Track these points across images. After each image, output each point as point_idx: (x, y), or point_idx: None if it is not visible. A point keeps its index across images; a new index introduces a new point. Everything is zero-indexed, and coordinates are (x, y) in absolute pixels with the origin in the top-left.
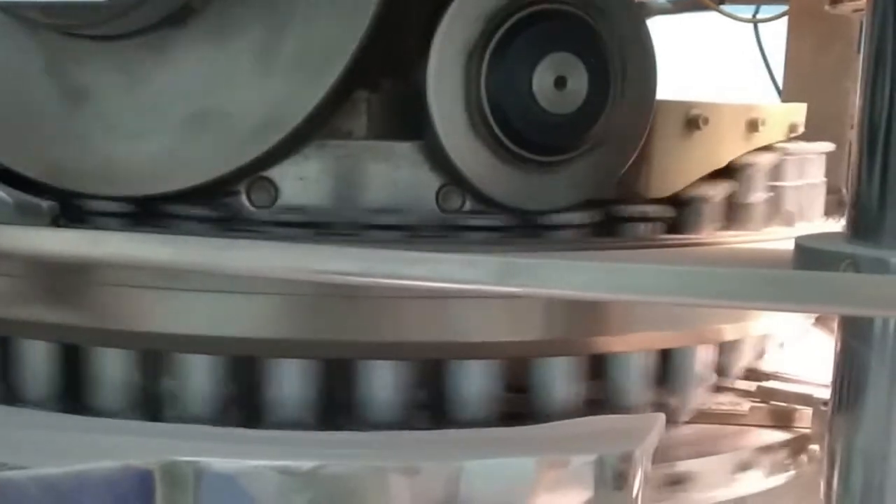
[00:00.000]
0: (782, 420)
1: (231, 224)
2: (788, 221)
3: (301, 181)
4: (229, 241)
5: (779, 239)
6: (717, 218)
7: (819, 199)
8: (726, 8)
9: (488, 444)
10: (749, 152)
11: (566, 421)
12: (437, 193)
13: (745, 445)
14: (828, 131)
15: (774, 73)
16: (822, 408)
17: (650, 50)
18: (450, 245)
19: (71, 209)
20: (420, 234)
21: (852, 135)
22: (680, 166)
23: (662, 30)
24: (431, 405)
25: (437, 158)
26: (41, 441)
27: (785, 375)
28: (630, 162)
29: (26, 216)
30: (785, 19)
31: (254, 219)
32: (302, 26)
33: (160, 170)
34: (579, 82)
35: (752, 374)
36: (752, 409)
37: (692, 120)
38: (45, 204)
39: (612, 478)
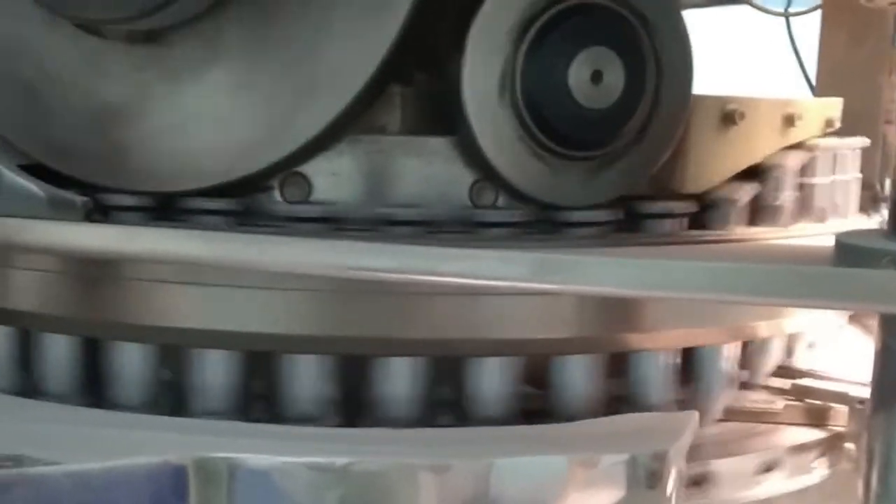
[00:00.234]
0: (817, 418)
1: (263, 220)
2: (820, 218)
3: (334, 177)
4: (265, 238)
5: (809, 235)
6: (743, 216)
7: (854, 195)
8: (757, 1)
9: (520, 442)
10: (780, 150)
11: (598, 419)
12: (470, 189)
13: (778, 444)
14: (861, 126)
15: (806, 67)
16: (859, 406)
17: (687, 44)
18: (479, 241)
19: (99, 205)
20: (451, 230)
21: (886, 130)
22: (715, 162)
23: (692, 23)
24: (452, 402)
25: (471, 154)
26: (71, 436)
27: (819, 373)
28: (666, 157)
29: (59, 211)
30: (817, 13)
31: (286, 214)
32: (339, 20)
33: (197, 165)
34: (616, 77)
35: (786, 371)
36: (786, 406)
37: (728, 115)
38: (79, 199)
39: (646, 477)
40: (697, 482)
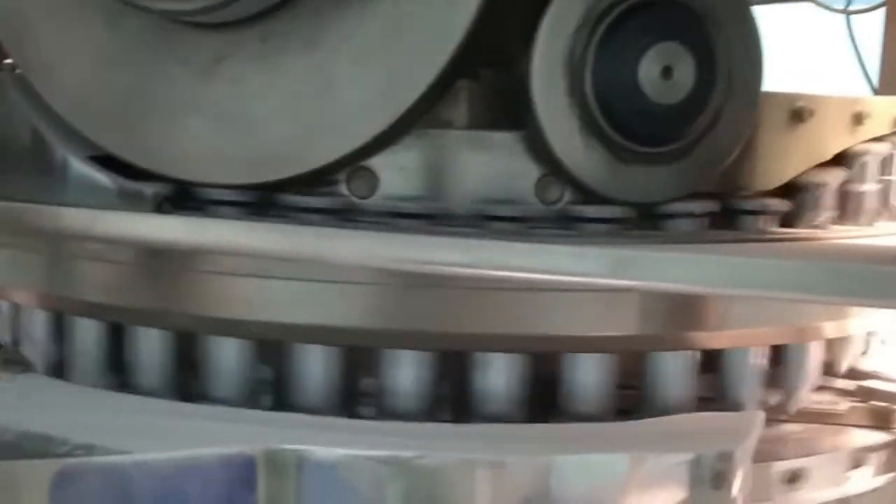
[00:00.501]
0: (882, 420)
1: (332, 214)
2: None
3: (401, 171)
4: (336, 231)
5: (891, 234)
6: (830, 208)
7: None
8: None
9: (584, 440)
10: (859, 144)
11: (663, 418)
12: (537, 184)
13: (844, 446)
14: None
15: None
16: None
17: (757, 40)
18: (552, 236)
19: (181, 197)
20: (521, 224)
21: None
22: (783, 159)
23: None
24: (538, 399)
25: (538, 149)
26: (147, 427)
27: (885, 375)
28: (735, 154)
29: (128, 202)
30: (877, 11)
31: (352, 208)
32: (410, 14)
33: (265, 158)
34: (686, 72)
35: (851, 373)
36: (851, 408)
37: (797, 112)
38: (149, 190)
39: (711, 477)
40: (790, 479)
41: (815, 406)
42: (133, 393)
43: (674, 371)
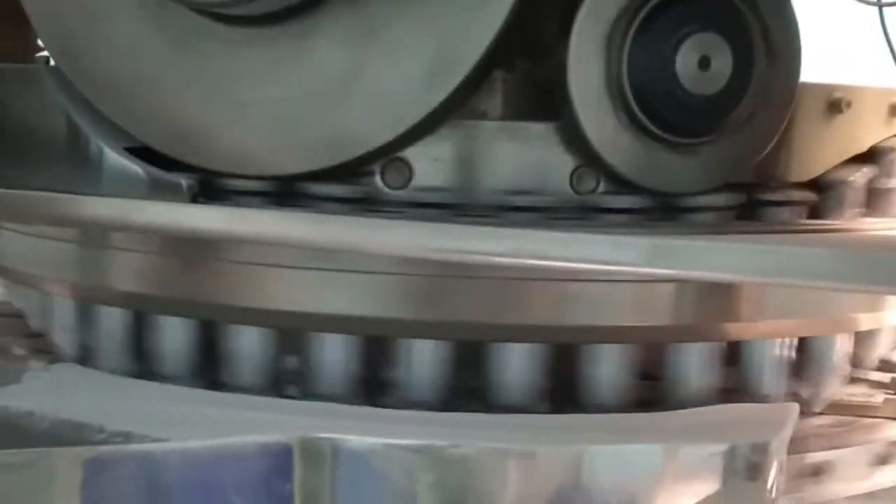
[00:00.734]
0: None
1: (363, 204)
2: None
3: (436, 162)
4: (371, 221)
5: None
6: (858, 203)
7: None
8: None
9: (617, 430)
10: (890, 136)
11: (697, 409)
12: (572, 175)
13: (878, 438)
14: None
15: None
16: None
17: (795, 30)
18: (587, 226)
19: (210, 188)
20: (554, 215)
21: None
22: (820, 150)
23: None
24: (561, 390)
25: (574, 139)
26: (180, 415)
27: None
28: (772, 145)
29: (163, 193)
30: None
31: (387, 199)
32: (446, 5)
33: (301, 150)
34: (723, 63)
35: (886, 365)
36: (885, 400)
37: (834, 103)
38: (184, 181)
39: (745, 468)
40: (814, 472)
41: (850, 398)
42: (157, 381)
43: (698, 362)
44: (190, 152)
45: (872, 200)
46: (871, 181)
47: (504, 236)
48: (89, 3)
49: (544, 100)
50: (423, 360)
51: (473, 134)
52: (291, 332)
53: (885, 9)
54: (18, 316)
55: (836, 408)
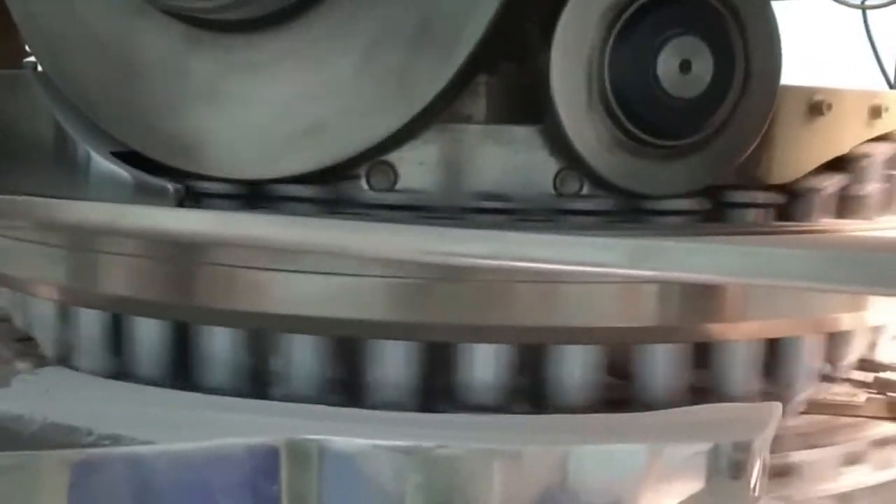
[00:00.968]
0: None
1: (349, 208)
2: None
3: (420, 165)
4: (356, 224)
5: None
6: (830, 207)
7: None
8: None
9: (602, 431)
10: (867, 141)
11: (681, 409)
12: (555, 178)
13: (860, 437)
14: None
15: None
16: None
17: (775, 34)
18: (571, 229)
19: (191, 192)
20: (537, 217)
21: None
22: (801, 152)
23: None
24: (532, 390)
25: (557, 142)
26: (168, 418)
27: None
28: (752, 147)
29: (150, 197)
30: (894, 7)
31: (372, 202)
32: (430, 8)
33: (285, 153)
34: (704, 66)
35: (868, 364)
36: (868, 400)
37: (815, 105)
38: (171, 186)
39: (729, 467)
40: (782, 473)
41: (833, 398)
42: (137, 383)
43: (672, 362)
44: (176, 157)
45: (844, 204)
46: (843, 188)
47: (486, 238)
48: (76, 9)
49: (528, 103)
50: (396, 361)
51: (458, 138)
52: (269, 334)
53: (868, 11)
54: (5, 320)
55: (819, 407)
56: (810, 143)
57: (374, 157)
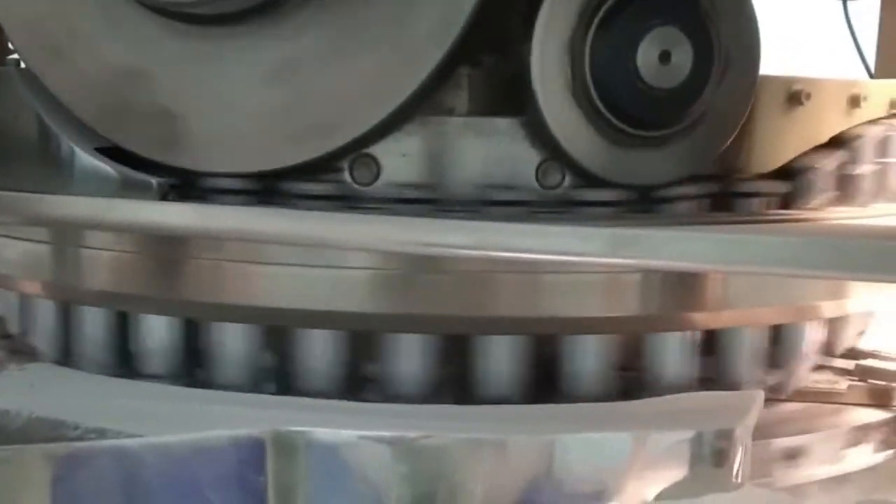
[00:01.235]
0: (881, 399)
1: (333, 201)
2: (894, 198)
3: (403, 157)
4: (338, 216)
5: (888, 215)
6: (825, 193)
7: None
8: None
9: (585, 419)
10: (856, 126)
11: (664, 397)
12: (537, 169)
13: (842, 424)
14: None
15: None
16: None
17: (754, 25)
18: (553, 220)
19: (184, 187)
20: (521, 209)
21: None
22: (781, 142)
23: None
24: (539, 381)
25: (539, 134)
26: (155, 411)
27: (884, 354)
28: (732, 137)
29: (135, 192)
30: None
31: (356, 195)
32: (411, 3)
33: (268, 147)
34: (684, 57)
35: (850, 352)
36: (850, 387)
37: (794, 95)
38: (154, 180)
39: (711, 455)
40: (789, 456)
41: (815, 385)
42: (138, 379)
43: (673, 352)
44: (160, 151)
45: (840, 187)
46: (838, 168)
47: (467, 229)
48: (60, 5)
49: (510, 95)
50: (403, 354)
51: (440, 130)
52: (273, 329)
53: (848, 2)
54: None
55: (802, 395)
56: (790, 131)
57: (358, 149)
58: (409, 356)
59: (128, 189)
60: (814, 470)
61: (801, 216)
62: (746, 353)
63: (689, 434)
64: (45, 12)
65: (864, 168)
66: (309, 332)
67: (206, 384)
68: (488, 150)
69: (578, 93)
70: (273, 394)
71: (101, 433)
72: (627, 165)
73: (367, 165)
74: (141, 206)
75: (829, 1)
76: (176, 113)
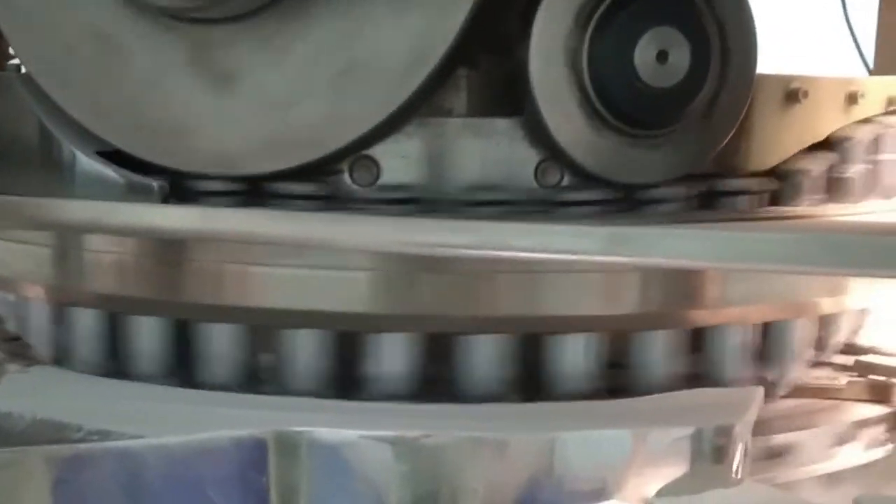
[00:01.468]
0: (880, 394)
1: (332, 202)
2: (888, 195)
3: (403, 159)
4: (339, 216)
5: (880, 212)
6: (817, 191)
7: None
8: None
9: (585, 417)
10: (848, 125)
11: (664, 394)
12: (536, 169)
13: (842, 420)
14: None
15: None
16: None
17: (751, 24)
18: (552, 220)
19: (179, 190)
20: (520, 209)
21: None
22: (779, 140)
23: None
24: (529, 380)
25: (537, 134)
26: (157, 413)
27: (883, 350)
28: (730, 136)
29: (136, 195)
30: None
31: (355, 197)
32: (410, 2)
33: (267, 149)
34: (681, 56)
35: (849, 348)
36: (849, 383)
37: (791, 93)
38: (156, 183)
39: (711, 451)
40: (776, 454)
41: (814, 381)
42: (133, 381)
43: (663, 349)
44: (160, 154)
45: (831, 188)
46: (829, 170)
47: (463, 229)
48: (61, 9)
49: (509, 95)
50: (393, 353)
51: (439, 131)
52: (265, 329)
53: None
54: None
55: (801, 391)
56: (787, 130)
57: (357, 151)
58: (403, 356)
59: (129, 192)
60: (812, 466)
61: (795, 213)
62: (736, 349)
63: (688, 431)
64: (44, 18)
65: (857, 166)
66: (302, 332)
67: (198, 385)
68: (487, 150)
69: (577, 92)
70: (266, 394)
71: (105, 435)
72: (626, 164)
73: (366, 167)
74: (144, 210)
75: None
76: (176, 117)
